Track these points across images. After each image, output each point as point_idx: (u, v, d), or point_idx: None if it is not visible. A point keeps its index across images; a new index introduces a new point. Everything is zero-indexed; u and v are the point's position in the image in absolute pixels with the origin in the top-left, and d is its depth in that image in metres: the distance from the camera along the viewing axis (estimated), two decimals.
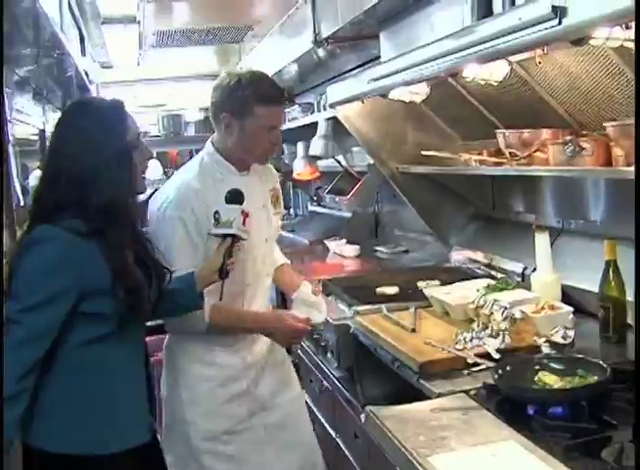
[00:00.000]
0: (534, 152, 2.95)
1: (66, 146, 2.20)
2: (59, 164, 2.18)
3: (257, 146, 2.84)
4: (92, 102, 2.57)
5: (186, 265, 2.62)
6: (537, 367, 2.26)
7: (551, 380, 2.16)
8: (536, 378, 2.20)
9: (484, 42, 2.36)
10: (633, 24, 1.94)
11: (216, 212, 2.61)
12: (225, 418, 2.89)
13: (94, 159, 2.14)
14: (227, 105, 2.80)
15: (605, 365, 2.14)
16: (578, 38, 2.06)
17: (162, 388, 2.99)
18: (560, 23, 1.96)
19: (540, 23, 2.03)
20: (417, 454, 1.83)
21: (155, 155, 9.34)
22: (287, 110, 7.77)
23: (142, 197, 2.52)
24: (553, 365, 2.26)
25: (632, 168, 2.42)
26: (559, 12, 1.95)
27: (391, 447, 1.96)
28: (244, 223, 2.58)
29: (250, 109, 2.75)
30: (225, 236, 2.58)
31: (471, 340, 2.57)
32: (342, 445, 3.43)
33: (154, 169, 9.04)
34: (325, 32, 4.37)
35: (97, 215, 2.11)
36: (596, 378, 2.11)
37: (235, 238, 2.57)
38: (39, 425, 2.19)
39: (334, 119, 5.07)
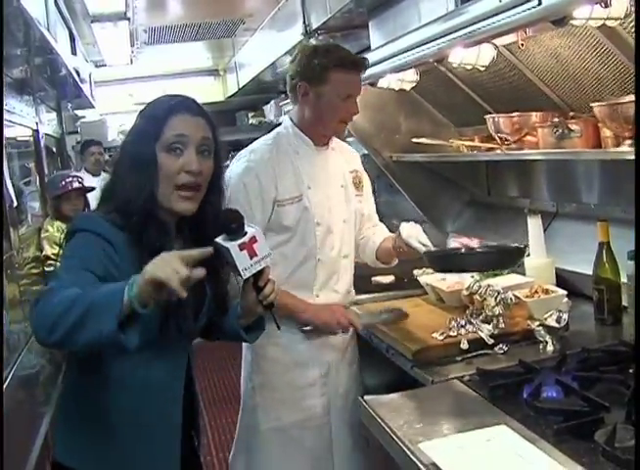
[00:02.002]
0: (524, 136, 2.94)
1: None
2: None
3: (334, 115, 2.77)
4: (155, 98, 2.36)
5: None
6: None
7: None
8: None
9: (467, 26, 2.36)
10: (613, 2, 1.94)
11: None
12: (299, 409, 2.84)
13: (123, 157, 2.02)
14: (304, 73, 2.74)
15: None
16: (559, 18, 2.04)
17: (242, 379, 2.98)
18: (540, 3, 1.96)
19: (520, 4, 2.02)
20: (408, 442, 1.82)
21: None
22: (282, 102, 7.80)
23: None
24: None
25: (621, 149, 2.42)
26: None
27: (384, 436, 1.96)
28: (251, 250, 1.98)
29: (326, 75, 2.70)
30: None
31: (464, 325, 2.56)
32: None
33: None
34: (315, 23, 4.38)
35: (128, 215, 1.92)
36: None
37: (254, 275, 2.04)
38: (67, 441, 2.08)
39: None
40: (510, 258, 2.66)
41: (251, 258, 1.97)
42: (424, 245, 2.66)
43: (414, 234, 2.69)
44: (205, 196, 2.02)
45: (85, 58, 6.75)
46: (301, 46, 2.85)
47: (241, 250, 1.95)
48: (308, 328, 2.80)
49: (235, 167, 2.79)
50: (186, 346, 2.14)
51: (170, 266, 1.63)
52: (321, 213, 2.81)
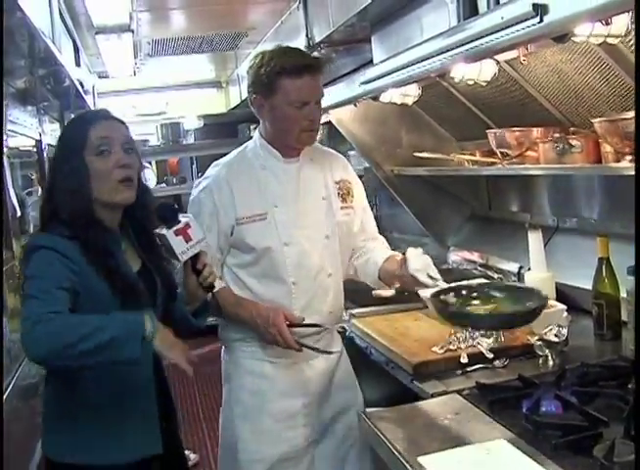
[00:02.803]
0: (525, 151, 2.95)
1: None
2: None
3: (292, 125, 2.57)
4: (75, 116, 2.56)
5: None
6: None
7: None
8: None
9: (469, 42, 2.37)
10: (614, 20, 1.96)
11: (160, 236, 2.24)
12: (279, 441, 2.66)
13: (55, 171, 2.21)
14: (255, 84, 2.61)
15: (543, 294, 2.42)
16: (560, 35, 2.06)
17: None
18: (541, 20, 1.97)
19: (522, 21, 2.03)
20: (408, 455, 1.83)
21: (150, 162, 9.45)
22: None
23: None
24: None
25: (622, 165, 2.43)
26: (540, 9, 1.95)
27: (383, 449, 1.96)
28: (186, 235, 2.20)
29: (274, 84, 2.53)
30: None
31: (465, 340, 2.56)
32: None
33: (148, 179, 9.08)
34: (318, 37, 4.39)
35: (70, 224, 2.12)
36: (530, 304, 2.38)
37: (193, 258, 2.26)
38: (49, 436, 2.22)
39: (328, 124, 5.06)
40: (525, 320, 2.39)
41: (187, 242, 2.20)
42: (432, 278, 2.46)
43: (422, 267, 2.46)
44: (138, 192, 2.23)
45: (89, 69, 6.77)
46: (255, 55, 2.70)
47: (176, 235, 2.19)
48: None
49: (196, 182, 2.76)
50: None
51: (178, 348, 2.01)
52: (290, 233, 2.61)
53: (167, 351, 1.97)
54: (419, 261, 2.48)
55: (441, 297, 2.47)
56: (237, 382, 2.73)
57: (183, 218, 2.21)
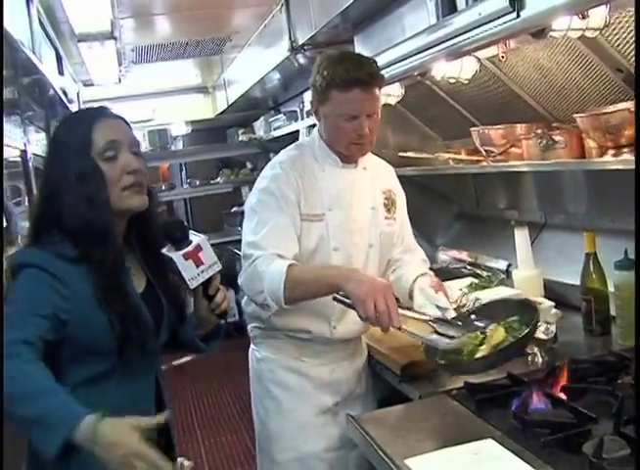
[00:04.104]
0: (509, 148, 2.95)
1: (44, 163, 2.06)
2: (40, 182, 2.06)
3: (341, 137, 2.52)
4: (69, 114, 2.35)
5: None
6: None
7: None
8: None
9: (448, 39, 2.37)
10: (591, 13, 1.95)
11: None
12: (317, 436, 2.65)
13: (59, 176, 1.93)
14: (313, 89, 2.56)
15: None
16: (538, 30, 2.05)
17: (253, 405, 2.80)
18: (518, 15, 1.96)
19: (499, 16, 2.03)
20: (395, 457, 1.81)
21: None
22: (271, 118, 7.80)
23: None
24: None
25: (605, 159, 2.42)
26: (516, 5, 1.95)
27: (371, 451, 1.95)
28: (196, 259, 1.98)
29: (326, 94, 2.49)
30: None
31: None
32: None
33: None
34: (301, 39, 4.40)
35: (80, 238, 1.88)
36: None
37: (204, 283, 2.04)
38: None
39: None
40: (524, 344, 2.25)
41: (198, 266, 1.96)
42: (441, 308, 2.38)
43: (427, 301, 2.42)
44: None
45: (73, 78, 6.74)
46: (320, 55, 2.63)
47: (186, 259, 1.95)
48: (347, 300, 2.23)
49: (260, 181, 2.60)
50: (152, 365, 2.08)
51: (127, 450, 1.58)
52: (340, 238, 2.57)
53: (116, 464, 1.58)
54: (421, 297, 2.46)
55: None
56: (270, 377, 2.68)
57: (195, 238, 1.99)
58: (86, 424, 1.58)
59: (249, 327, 2.79)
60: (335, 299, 2.25)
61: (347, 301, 2.19)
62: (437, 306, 2.39)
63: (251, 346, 2.80)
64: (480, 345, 2.21)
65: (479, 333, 2.26)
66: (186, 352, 2.18)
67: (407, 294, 2.62)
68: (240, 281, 2.47)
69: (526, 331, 2.16)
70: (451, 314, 2.37)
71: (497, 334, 2.22)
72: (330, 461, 2.66)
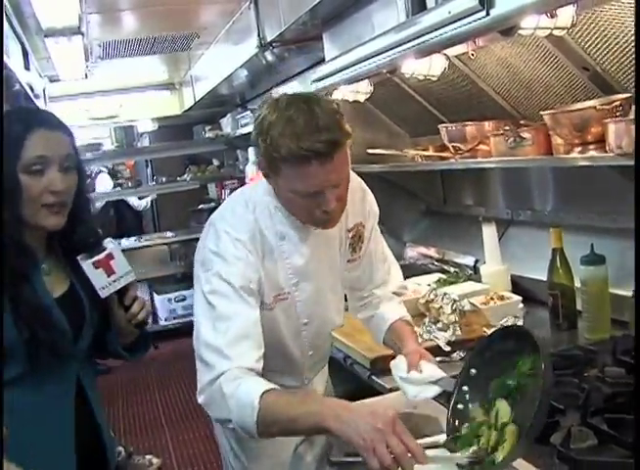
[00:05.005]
0: (477, 145, 2.97)
1: None
2: None
3: (302, 213, 2.01)
4: (11, 110, 2.19)
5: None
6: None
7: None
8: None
9: (418, 37, 2.38)
10: (559, 12, 1.98)
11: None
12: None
13: None
14: (257, 151, 1.99)
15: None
16: (507, 28, 2.08)
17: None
18: (488, 14, 1.99)
19: (469, 15, 2.05)
20: None
21: (105, 169, 9.35)
22: (238, 115, 7.79)
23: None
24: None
25: (572, 156, 2.45)
26: (486, 3, 1.97)
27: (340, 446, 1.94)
28: (108, 268, 1.90)
29: (277, 167, 1.91)
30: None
31: (421, 334, 2.57)
32: None
33: (103, 183, 9.00)
34: (269, 36, 4.39)
35: None
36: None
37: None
38: None
39: None
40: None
41: (109, 276, 1.90)
42: (437, 381, 2.00)
43: (420, 381, 2.03)
44: (73, 210, 1.93)
45: (39, 73, 6.68)
46: (262, 102, 2.14)
47: (96, 268, 1.89)
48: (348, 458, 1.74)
49: (213, 259, 2.02)
50: (70, 370, 1.96)
51: None
52: (309, 311, 2.20)
53: None
54: (411, 387, 2.04)
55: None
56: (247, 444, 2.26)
57: (108, 245, 1.92)
58: None
59: None
60: (332, 463, 1.82)
61: (348, 459, 1.73)
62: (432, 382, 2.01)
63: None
64: (495, 448, 1.67)
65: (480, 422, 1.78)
66: (112, 359, 2.14)
67: (381, 339, 2.36)
68: (200, 400, 1.93)
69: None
70: (449, 382, 1.96)
71: (502, 411, 1.73)
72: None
